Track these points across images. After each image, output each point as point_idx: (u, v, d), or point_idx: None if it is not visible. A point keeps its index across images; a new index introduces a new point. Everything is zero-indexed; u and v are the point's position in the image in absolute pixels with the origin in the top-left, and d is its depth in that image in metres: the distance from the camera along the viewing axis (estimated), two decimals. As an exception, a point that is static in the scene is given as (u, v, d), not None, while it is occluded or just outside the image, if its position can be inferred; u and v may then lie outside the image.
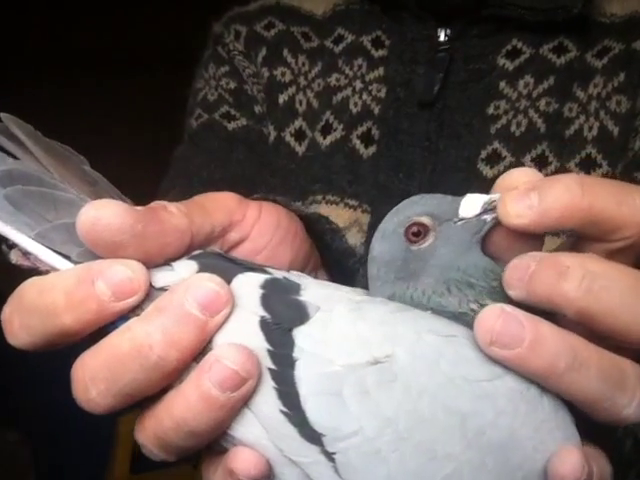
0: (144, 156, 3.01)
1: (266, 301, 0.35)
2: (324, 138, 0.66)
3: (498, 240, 0.35)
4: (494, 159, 0.62)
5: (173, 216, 0.35)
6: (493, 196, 0.35)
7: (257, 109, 0.71)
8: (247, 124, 0.70)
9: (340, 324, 0.34)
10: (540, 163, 0.61)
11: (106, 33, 2.93)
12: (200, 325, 0.32)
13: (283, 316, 0.34)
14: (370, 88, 0.66)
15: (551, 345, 0.31)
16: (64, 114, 3.00)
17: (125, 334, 0.32)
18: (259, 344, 0.34)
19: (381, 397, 0.32)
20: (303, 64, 0.70)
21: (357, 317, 0.35)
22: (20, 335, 0.34)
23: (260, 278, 0.36)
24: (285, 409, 0.33)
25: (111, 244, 0.32)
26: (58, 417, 2.56)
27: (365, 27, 0.68)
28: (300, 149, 0.68)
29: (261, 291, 0.35)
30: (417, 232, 0.36)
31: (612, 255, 0.33)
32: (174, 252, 0.35)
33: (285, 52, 0.70)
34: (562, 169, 0.61)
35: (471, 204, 0.36)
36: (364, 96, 0.66)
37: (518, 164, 0.61)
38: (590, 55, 0.64)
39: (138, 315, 0.32)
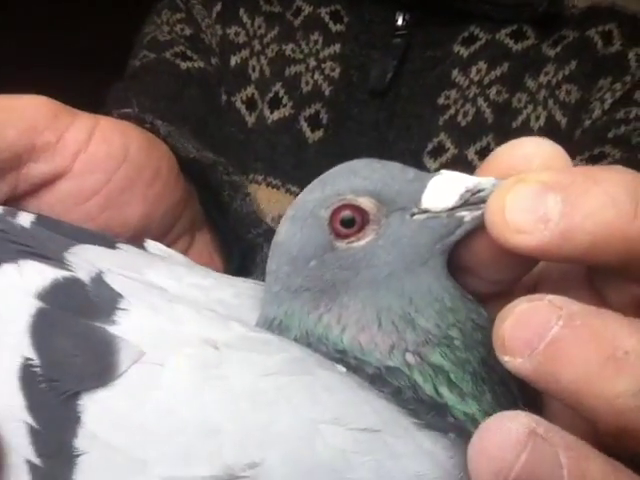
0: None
1: (42, 329, 0.18)
2: (271, 112, 0.62)
3: (476, 248, 0.23)
4: (438, 151, 0.59)
5: None
6: (483, 181, 0.22)
7: (214, 61, 0.64)
8: (204, 67, 0.62)
9: (172, 393, 0.18)
10: (483, 156, 0.58)
11: (106, 33, 2.92)
12: None
13: (67, 365, 0.18)
14: (324, 66, 0.63)
15: None
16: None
17: None
18: (14, 413, 0.18)
19: None
20: (259, 27, 0.65)
21: (206, 380, 0.18)
22: None
23: (45, 277, 0.19)
24: None
25: None
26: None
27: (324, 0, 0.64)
28: (250, 119, 0.63)
29: (37, 305, 0.19)
30: (349, 220, 0.22)
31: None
32: None
33: (241, 12, 0.66)
34: None
35: (444, 189, 0.22)
36: (316, 75, 0.63)
37: (461, 157, 0.59)
38: (546, 45, 0.62)
39: None
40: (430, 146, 0.60)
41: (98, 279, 0.20)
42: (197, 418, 0.17)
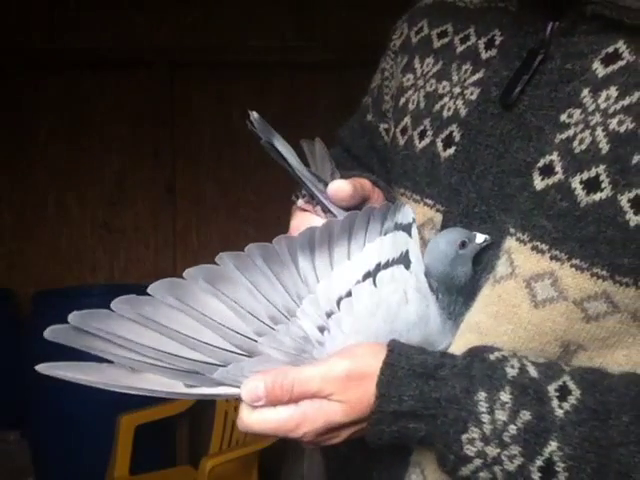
0: (144, 156, 3.01)
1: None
2: (420, 142, 0.70)
3: None
4: (547, 172, 0.58)
5: (358, 186, 0.63)
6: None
7: (383, 107, 0.82)
8: (371, 120, 0.85)
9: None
10: (589, 187, 0.56)
11: (106, 33, 2.93)
12: None
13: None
14: (466, 92, 0.67)
15: None
16: (64, 114, 3.00)
17: None
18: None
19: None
20: (427, 65, 0.73)
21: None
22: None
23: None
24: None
25: (343, 200, 0.62)
26: (58, 417, 2.57)
27: (488, 26, 0.69)
28: (402, 143, 0.73)
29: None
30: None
31: None
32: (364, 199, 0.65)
33: (416, 60, 0.75)
34: (613, 201, 0.55)
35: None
36: (458, 101, 0.67)
37: (564, 185, 0.57)
38: None
39: None
40: (541, 162, 0.59)
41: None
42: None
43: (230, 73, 2.95)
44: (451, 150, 0.66)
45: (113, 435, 2.28)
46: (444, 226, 0.65)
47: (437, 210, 0.67)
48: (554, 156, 0.58)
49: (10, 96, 2.95)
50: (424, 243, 0.66)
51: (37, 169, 2.98)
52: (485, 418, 0.54)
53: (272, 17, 2.93)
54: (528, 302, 0.58)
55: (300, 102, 2.91)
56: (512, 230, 0.59)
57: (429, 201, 0.68)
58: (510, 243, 0.59)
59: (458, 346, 0.61)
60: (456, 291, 0.62)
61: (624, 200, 0.54)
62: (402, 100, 0.75)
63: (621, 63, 0.58)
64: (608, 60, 0.58)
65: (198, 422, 2.73)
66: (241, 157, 2.99)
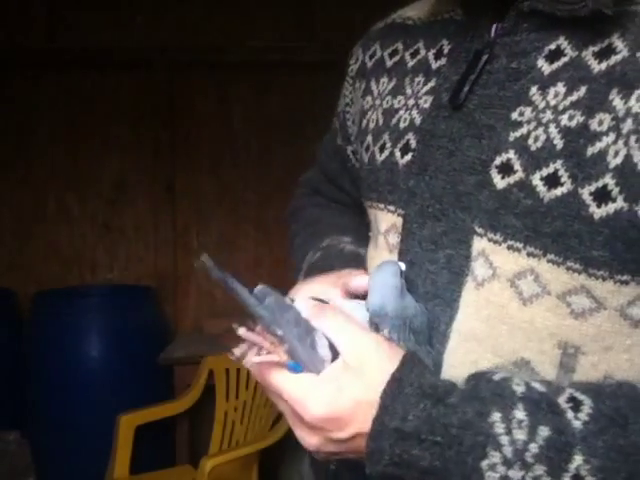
0: (144, 156, 3.01)
1: None
2: (380, 155, 0.72)
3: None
4: (506, 170, 0.59)
5: None
6: None
7: (348, 132, 0.85)
8: (340, 144, 0.88)
9: None
10: (549, 183, 0.57)
11: (106, 33, 2.93)
12: None
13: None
14: (419, 102, 0.69)
15: None
16: (64, 114, 3.00)
17: None
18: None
19: None
20: (383, 84, 0.75)
21: None
22: None
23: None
24: None
25: None
26: (58, 417, 2.57)
27: (436, 37, 0.70)
28: (366, 160, 0.75)
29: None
30: None
31: None
32: None
33: (372, 83, 0.78)
34: (575, 195, 0.55)
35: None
36: (413, 111, 0.69)
37: (526, 182, 0.58)
38: None
39: None
40: (498, 160, 0.60)
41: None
42: None
43: (230, 73, 2.95)
44: (408, 157, 0.68)
45: (113, 435, 2.28)
46: (404, 228, 0.67)
47: (398, 215, 0.68)
48: (511, 154, 0.59)
49: (10, 96, 2.95)
50: (393, 248, 0.68)
51: (37, 169, 2.98)
52: (504, 440, 0.51)
53: (272, 17, 2.93)
54: (516, 300, 0.58)
55: (300, 102, 2.90)
56: (480, 230, 0.60)
57: (391, 207, 0.69)
58: (483, 244, 0.60)
59: (458, 356, 0.60)
60: (408, 321, 0.61)
61: (585, 193, 0.55)
62: (364, 122, 0.77)
63: (565, 59, 0.59)
64: (552, 57, 0.59)
65: (198, 422, 2.73)
66: (241, 157, 2.99)
